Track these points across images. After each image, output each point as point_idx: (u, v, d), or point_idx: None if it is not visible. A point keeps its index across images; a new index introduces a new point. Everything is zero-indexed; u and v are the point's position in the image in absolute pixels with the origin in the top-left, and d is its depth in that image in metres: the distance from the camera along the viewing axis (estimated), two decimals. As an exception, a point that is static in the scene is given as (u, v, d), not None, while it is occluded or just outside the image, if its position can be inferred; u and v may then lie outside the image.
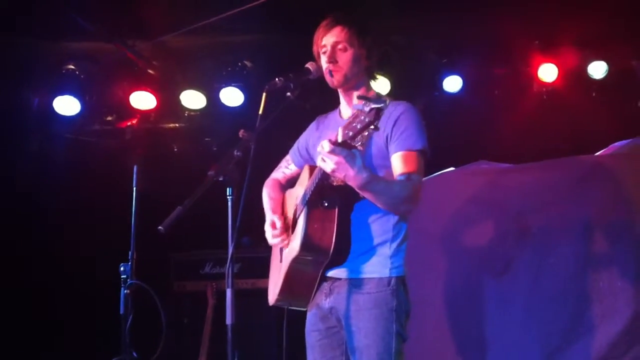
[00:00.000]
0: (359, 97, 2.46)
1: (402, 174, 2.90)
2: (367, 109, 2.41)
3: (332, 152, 2.56)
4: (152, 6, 5.00)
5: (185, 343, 5.46)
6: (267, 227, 3.23)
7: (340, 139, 2.52)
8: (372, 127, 2.42)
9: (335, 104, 3.28)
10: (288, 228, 3.20)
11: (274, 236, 3.19)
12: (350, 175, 2.65)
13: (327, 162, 2.61)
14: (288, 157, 3.47)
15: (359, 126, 2.44)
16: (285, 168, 3.46)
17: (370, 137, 2.50)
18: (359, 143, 2.52)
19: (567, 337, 4.15)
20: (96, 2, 4.91)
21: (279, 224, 3.19)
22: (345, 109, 3.19)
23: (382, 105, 2.39)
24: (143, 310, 3.76)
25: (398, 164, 2.94)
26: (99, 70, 5.83)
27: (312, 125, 3.38)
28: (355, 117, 2.46)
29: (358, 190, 2.77)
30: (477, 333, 4.38)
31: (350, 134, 2.48)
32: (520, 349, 4.24)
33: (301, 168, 3.33)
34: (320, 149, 2.60)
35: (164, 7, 5.03)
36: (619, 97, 5.62)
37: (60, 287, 5.79)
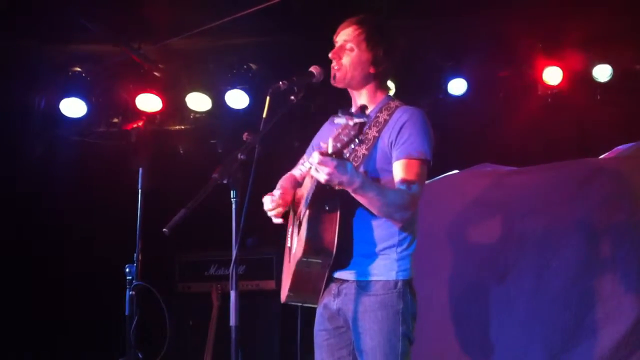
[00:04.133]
0: (341, 112, 2.52)
1: (400, 182, 2.90)
2: (351, 123, 2.50)
3: (322, 163, 2.60)
4: (158, 9, 5.02)
5: (189, 344, 5.47)
6: (266, 197, 3.19)
7: (330, 150, 2.58)
8: (357, 139, 2.53)
9: (341, 104, 3.27)
10: (294, 209, 3.20)
11: (272, 201, 3.15)
12: (344, 181, 2.67)
13: (320, 173, 2.64)
14: (305, 155, 3.47)
15: (345, 139, 2.53)
16: (302, 165, 3.47)
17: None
18: (347, 155, 2.63)
19: (570, 339, 4.14)
20: (102, 5, 4.93)
21: (277, 193, 3.17)
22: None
23: (363, 119, 2.50)
24: (148, 312, 3.78)
25: (398, 171, 2.93)
26: (105, 73, 5.86)
27: (326, 125, 3.37)
28: (343, 128, 2.54)
29: (353, 195, 2.79)
30: (481, 334, 4.37)
31: (339, 145, 2.55)
32: (523, 350, 4.23)
33: None
34: (311, 160, 2.64)
35: (170, 10, 5.05)
36: (623, 100, 5.60)
37: (66, 288, 5.81)
